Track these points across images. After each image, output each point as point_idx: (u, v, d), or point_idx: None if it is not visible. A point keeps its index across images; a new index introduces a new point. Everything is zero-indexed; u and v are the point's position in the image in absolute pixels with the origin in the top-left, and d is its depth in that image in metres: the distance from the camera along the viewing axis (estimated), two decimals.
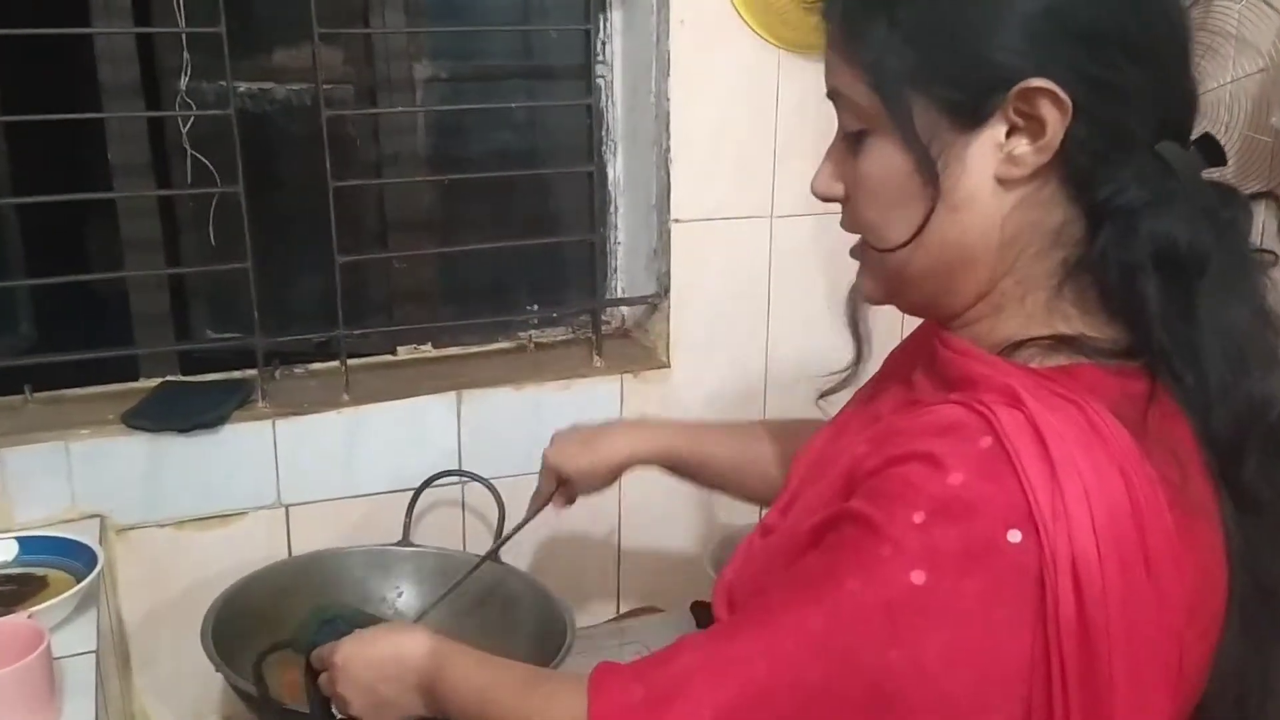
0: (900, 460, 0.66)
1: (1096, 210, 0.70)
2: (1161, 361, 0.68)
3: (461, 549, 1.51)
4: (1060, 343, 0.71)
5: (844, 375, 0.91)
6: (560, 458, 1.22)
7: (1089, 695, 0.63)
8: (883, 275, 0.77)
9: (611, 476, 1.22)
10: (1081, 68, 0.67)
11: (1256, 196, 1.29)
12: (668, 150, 1.58)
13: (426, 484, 1.46)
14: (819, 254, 1.65)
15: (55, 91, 1.46)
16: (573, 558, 1.42)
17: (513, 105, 1.75)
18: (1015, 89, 0.67)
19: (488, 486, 1.44)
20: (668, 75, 1.55)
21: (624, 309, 1.76)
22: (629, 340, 1.75)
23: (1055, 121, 0.67)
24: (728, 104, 1.58)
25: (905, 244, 0.72)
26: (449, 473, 1.48)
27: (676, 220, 1.60)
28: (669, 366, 1.64)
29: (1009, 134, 0.69)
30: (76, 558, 1.25)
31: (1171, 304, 0.68)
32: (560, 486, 1.24)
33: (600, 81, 1.67)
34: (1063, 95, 0.66)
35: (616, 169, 1.72)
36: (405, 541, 1.45)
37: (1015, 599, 0.62)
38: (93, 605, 1.21)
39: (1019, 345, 0.72)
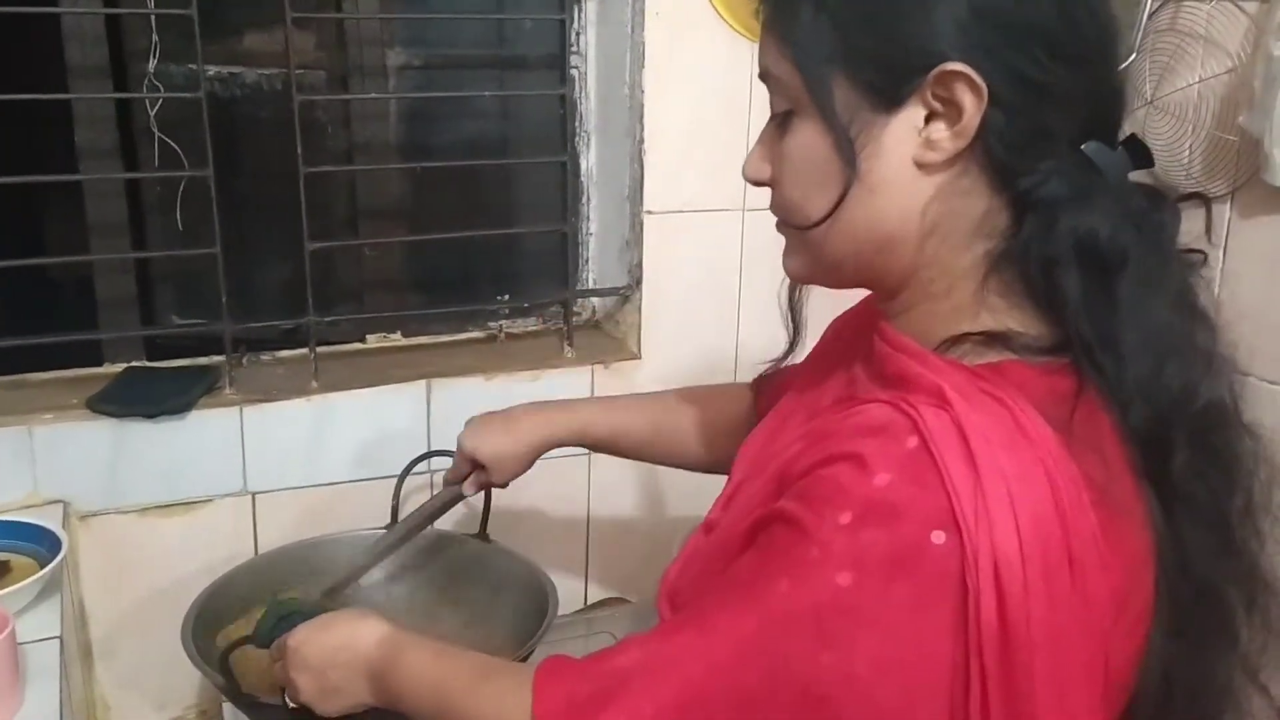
0: (829, 461, 0.67)
1: (1019, 202, 0.71)
2: (1084, 355, 0.69)
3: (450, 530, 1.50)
4: (993, 339, 0.71)
5: (779, 361, 0.95)
6: (475, 441, 1.21)
7: (1009, 695, 0.63)
8: (805, 255, 0.78)
9: (528, 460, 1.21)
10: (1003, 59, 0.68)
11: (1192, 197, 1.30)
12: (641, 142, 1.58)
13: (413, 464, 1.45)
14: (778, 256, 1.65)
15: (21, 71, 1.44)
16: (541, 548, 1.42)
17: (486, 94, 1.74)
18: (933, 72, 0.68)
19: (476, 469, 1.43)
20: (642, 67, 1.55)
21: (595, 300, 1.76)
22: (600, 331, 1.75)
23: (971, 107, 0.68)
24: (701, 96, 1.58)
25: (821, 222, 0.73)
26: (436, 453, 1.47)
27: (649, 212, 1.60)
28: (640, 358, 1.65)
29: (928, 119, 0.70)
30: (39, 543, 1.24)
31: (1091, 297, 0.69)
32: (475, 471, 1.23)
33: (574, 72, 1.67)
34: (978, 80, 0.67)
35: (589, 160, 1.72)
36: (392, 525, 1.44)
37: (939, 602, 0.62)
38: (56, 591, 1.20)
39: (955, 340, 0.72)
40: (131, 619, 1.43)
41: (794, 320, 0.91)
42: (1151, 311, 0.69)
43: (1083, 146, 0.70)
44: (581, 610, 1.64)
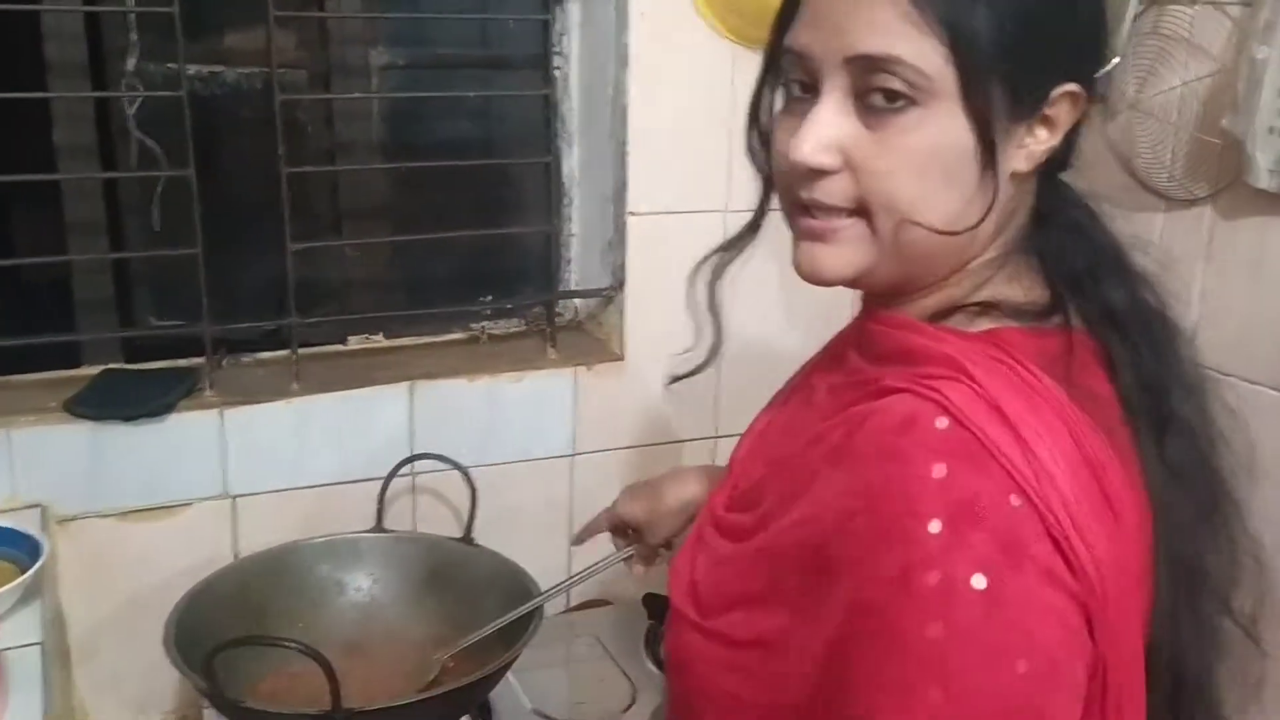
0: (885, 477, 0.64)
1: (1049, 198, 0.76)
2: (1104, 323, 0.72)
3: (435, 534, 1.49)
4: (985, 308, 0.73)
5: (701, 362, 0.92)
6: (623, 509, 1.18)
7: (1109, 634, 0.64)
8: (881, 252, 0.72)
9: (675, 524, 1.15)
10: (1090, 76, 0.71)
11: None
12: (624, 143, 1.57)
13: (399, 468, 1.45)
14: (773, 250, 1.65)
15: None
16: (524, 551, 1.41)
17: (469, 94, 1.73)
18: (1062, 89, 0.70)
19: (461, 471, 1.43)
20: (625, 68, 1.55)
21: (578, 301, 1.75)
22: (583, 332, 1.75)
23: (1066, 124, 0.71)
24: (685, 98, 1.58)
25: (973, 228, 0.70)
26: (421, 456, 1.47)
27: (632, 213, 1.60)
28: (623, 359, 1.64)
29: (1028, 131, 0.71)
30: (18, 547, 1.22)
31: (1107, 274, 0.74)
32: (632, 537, 1.19)
33: (557, 73, 1.66)
34: (1085, 101, 0.70)
35: (572, 161, 1.71)
36: (379, 528, 1.44)
37: (1049, 556, 0.62)
38: (36, 597, 1.18)
39: (946, 312, 0.73)
40: (111, 623, 1.42)
41: (717, 318, 0.90)
42: (1143, 292, 0.75)
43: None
44: (564, 613, 1.63)
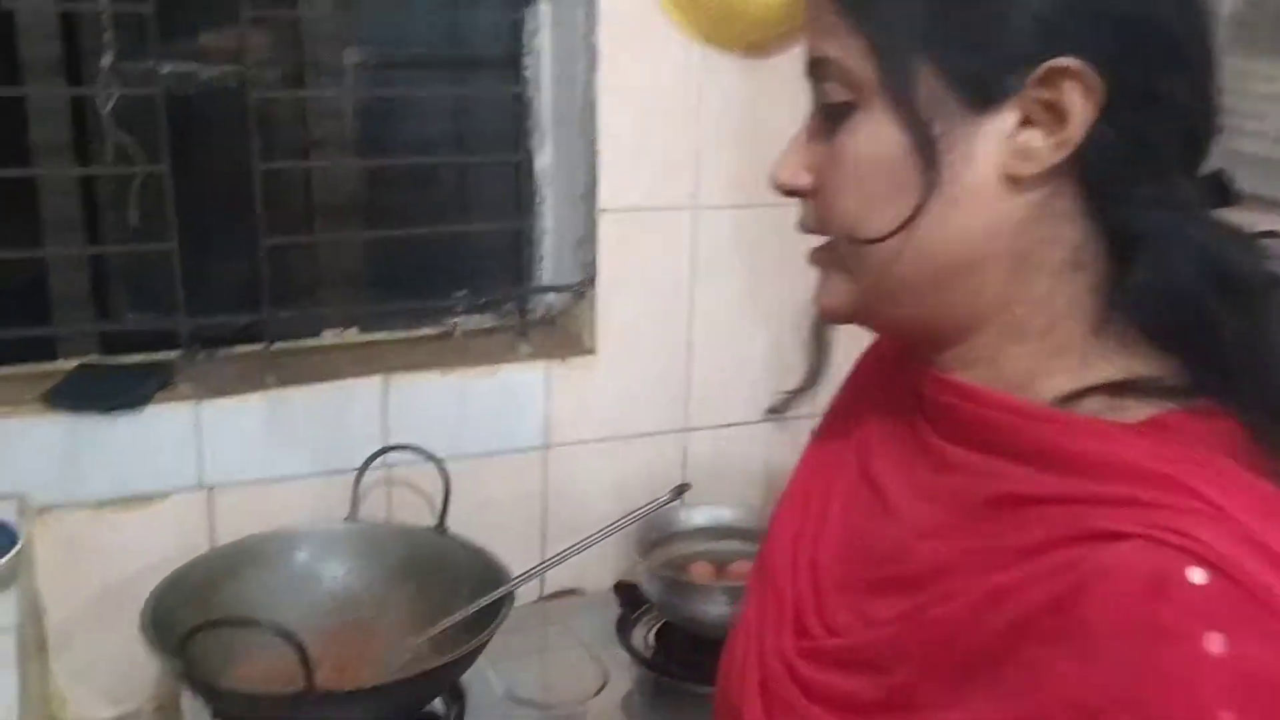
0: (1148, 682, 0.48)
1: (1113, 231, 0.60)
2: (1249, 394, 0.57)
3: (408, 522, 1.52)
4: (1121, 389, 0.59)
5: (797, 391, 0.76)
6: None
7: None
8: (857, 284, 0.64)
9: None
10: (1117, 56, 0.56)
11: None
12: (594, 141, 1.60)
13: (371, 460, 1.47)
14: (741, 246, 1.69)
15: None
16: (497, 540, 1.44)
17: (441, 92, 1.76)
18: (1042, 68, 0.57)
19: (435, 462, 1.46)
20: (595, 67, 1.58)
21: (550, 296, 1.78)
22: (555, 327, 1.77)
23: (1080, 112, 0.57)
24: (654, 97, 1.61)
25: (890, 235, 0.60)
26: (394, 448, 1.49)
27: (603, 210, 1.62)
28: (595, 354, 1.67)
29: (1022, 123, 0.58)
30: None
31: (1241, 329, 0.58)
32: None
33: (528, 72, 1.69)
34: (1096, 81, 0.56)
35: (544, 158, 1.74)
36: (353, 518, 1.46)
37: None
38: (12, 584, 1.20)
39: (1075, 396, 0.60)
40: (87, 613, 1.43)
41: (818, 346, 0.75)
42: None
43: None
44: (537, 601, 1.66)
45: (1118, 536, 0.51)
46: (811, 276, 0.69)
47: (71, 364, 1.50)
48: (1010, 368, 0.62)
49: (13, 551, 1.19)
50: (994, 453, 0.61)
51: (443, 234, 1.73)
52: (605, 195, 1.62)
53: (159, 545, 1.43)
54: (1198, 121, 0.61)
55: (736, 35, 1.58)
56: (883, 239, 0.61)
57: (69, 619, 1.43)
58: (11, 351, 1.48)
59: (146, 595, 1.24)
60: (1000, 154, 0.59)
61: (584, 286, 1.68)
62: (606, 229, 1.63)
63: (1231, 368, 0.57)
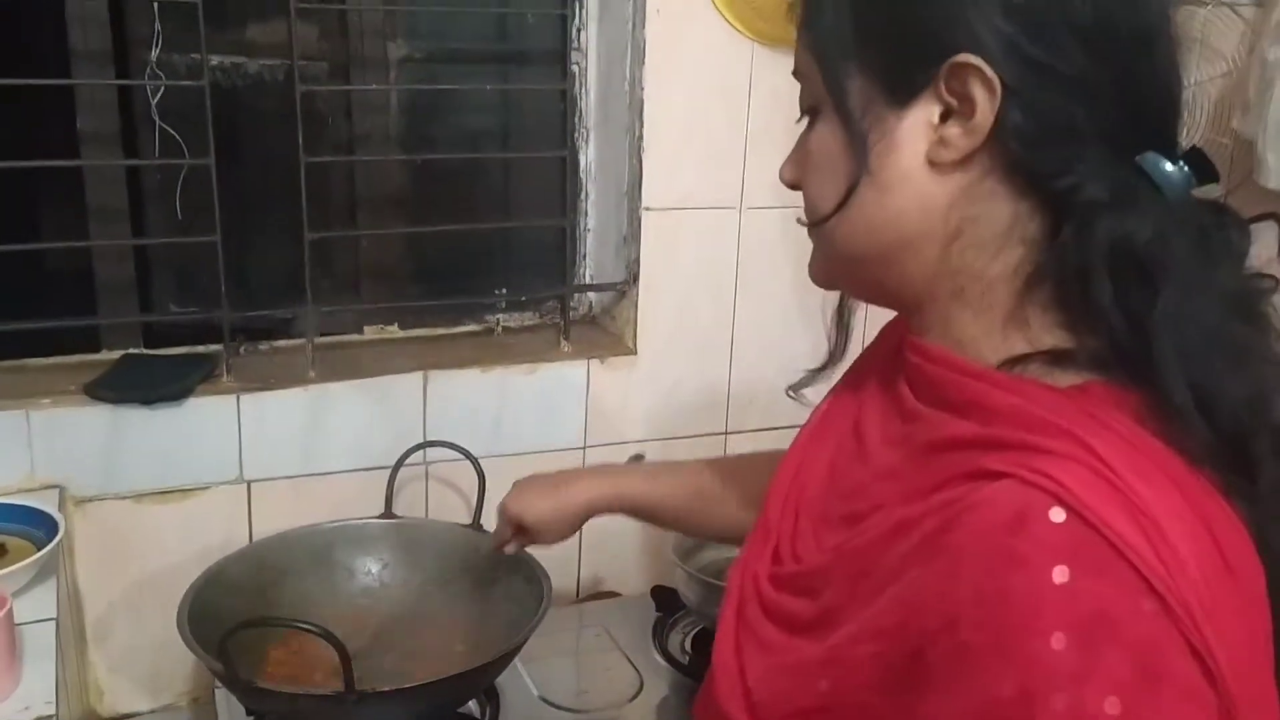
0: (980, 594, 0.56)
1: (1052, 207, 0.65)
2: (1151, 370, 0.61)
3: (444, 520, 1.51)
4: (1059, 357, 0.65)
5: (817, 371, 0.84)
6: (520, 506, 1.21)
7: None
8: (821, 255, 0.75)
9: (573, 526, 1.21)
10: (1022, 49, 0.62)
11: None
12: (640, 138, 1.59)
13: (407, 454, 1.47)
14: (787, 245, 1.66)
15: (24, 56, 1.44)
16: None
17: (487, 88, 1.75)
18: (946, 64, 0.63)
19: (470, 459, 1.45)
20: (642, 63, 1.56)
21: (592, 295, 1.77)
22: (596, 326, 1.76)
23: (984, 102, 0.63)
24: (701, 94, 1.59)
25: (828, 217, 0.70)
26: (430, 443, 1.48)
27: (647, 208, 1.61)
28: (636, 353, 1.65)
29: (944, 115, 0.65)
30: (37, 525, 1.24)
31: (1129, 307, 0.62)
32: (519, 534, 1.24)
33: (575, 68, 1.67)
34: (990, 74, 0.62)
35: (588, 155, 1.72)
36: (388, 514, 1.46)
37: (1186, 670, 0.55)
38: (52, 574, 1.20)
39: (1018, 360, 0.65)
40: (126, 604, 1.44)
41: (839, 329, 0.83)
42: (1201, 322, 0.62)
43: (1138, 157, 0.64)
44: (574, 603, 1.64)
45: (998, 476, 0.58)
46: None
47: (115, 355, 1.50)
48: (959, 332, 0.69)
49: (54, 542, 1.19)
50: (939, 405, 0.68)
51: (485, 230, 1.72)
52: (650, 193, 1.61)
53: (197, 538, 1.43)
54: (1136, 103, 0.64)
55: (786, 31, 1.56)
56: (825, 220, 0.70)
57: (108, 610, 1.44)
58: (55, 341, 1.49)
59: (184, 588, 1.24)
60: (923, 143, 0.66)
61: (626, 285, 1.67)
62: (650, 227, 1.62)
63: (1121, 343, 0.62)
